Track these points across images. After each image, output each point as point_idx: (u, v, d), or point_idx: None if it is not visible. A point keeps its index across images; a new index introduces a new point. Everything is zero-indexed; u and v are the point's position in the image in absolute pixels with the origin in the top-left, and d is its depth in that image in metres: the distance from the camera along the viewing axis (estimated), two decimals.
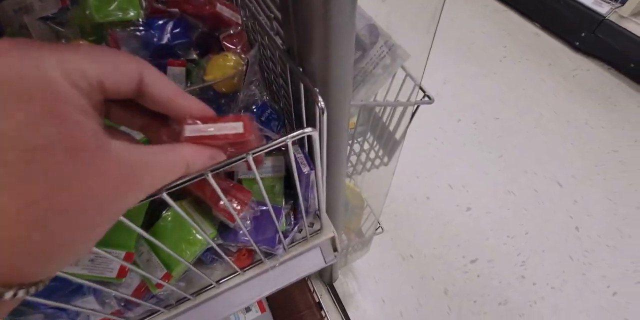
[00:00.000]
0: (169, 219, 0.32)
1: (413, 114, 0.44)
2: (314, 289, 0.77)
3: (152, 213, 0.32)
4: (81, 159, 0.15)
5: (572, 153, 1.43)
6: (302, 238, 0.41)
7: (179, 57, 0.43)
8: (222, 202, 0.29)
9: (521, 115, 1.55)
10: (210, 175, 0.22)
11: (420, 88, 0.43)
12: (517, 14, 1.95)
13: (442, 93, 1.62)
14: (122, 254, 0.29)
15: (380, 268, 1.19)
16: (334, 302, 0.90)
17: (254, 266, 0.39)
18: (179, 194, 0.33)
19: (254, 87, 0.41)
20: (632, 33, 1.51)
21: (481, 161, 1.42)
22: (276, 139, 0.23)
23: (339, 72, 0.28)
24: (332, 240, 0.43)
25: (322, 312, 0.76)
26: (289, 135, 0.23)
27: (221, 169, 0.23)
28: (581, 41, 1.71)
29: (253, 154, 0.23)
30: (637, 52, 1.52)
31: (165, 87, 0.20)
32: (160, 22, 0.41)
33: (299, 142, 0.37)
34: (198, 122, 0.21)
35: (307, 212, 0.39)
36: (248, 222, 0.32)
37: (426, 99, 0.44)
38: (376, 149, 0.59)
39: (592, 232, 1.24)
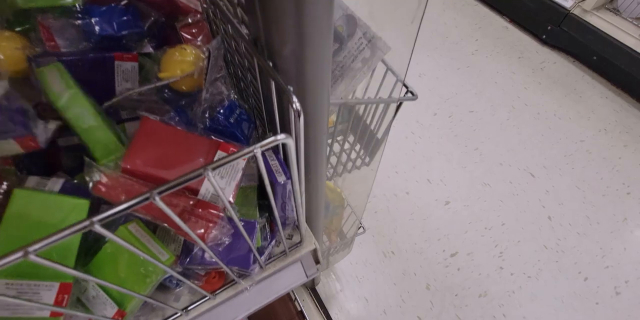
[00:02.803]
0: (114, 245, 0.26)
1: (396, 111, 0.41)
2: (295, 297, 0.73)
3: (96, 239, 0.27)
4: None
5: (543, 144, 1.46)
6: (281, 252, 0.37)
7: (131, 49, 0.37)
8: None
9: (494, 108, 1.58)
10: (158, 198, 0.17)
11: (403, 84, 0.40)
12: (486, 7, 1.97)
13: (418, 86, 1.62)
14: (56, 286, 0.23)
15: (362, 266, 1.17)
16: (316, 306, 0.87)
17: (227, 288, 0.35)
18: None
19: (220, 84, 0.36)
20: (594, 26, 1.56)
21: (458, 154, 1.43)
22: (242, 149, 0.19)
23: (316, 66, 0.24)
24: (314, 252, 0.39)
25: None
26: (258, 145, 0.19)
27: (174, 189, 0.18)
28: (547, 34, 1.75)
29: (212, 169, 0.18)
30: (599, 45, 1.58)
31: None
32: (104, 8, 0.35)
33: (273, 148, 0.32)
34: None
35: (284, 224, 0.35)
36: (223, 243, 0.27)
37: (409, 95, 0.41)
38: (356, 148, 0.56)
39: (564, 221, 1.27)
